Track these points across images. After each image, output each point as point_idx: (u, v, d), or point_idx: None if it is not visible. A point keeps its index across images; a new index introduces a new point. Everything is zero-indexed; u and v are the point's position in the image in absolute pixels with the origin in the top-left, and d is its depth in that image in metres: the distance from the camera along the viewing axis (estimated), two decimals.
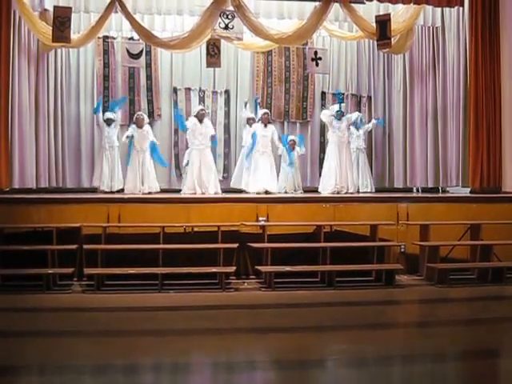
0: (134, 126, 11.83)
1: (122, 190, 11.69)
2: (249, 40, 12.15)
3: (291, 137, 12.54)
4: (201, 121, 11.62)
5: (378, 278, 9.69)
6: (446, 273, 9.51)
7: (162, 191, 11.93)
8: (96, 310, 8.06)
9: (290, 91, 13.21)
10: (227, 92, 13.15)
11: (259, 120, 12.21)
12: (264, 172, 11.76)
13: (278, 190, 11.83)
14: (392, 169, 13.21)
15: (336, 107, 12.16)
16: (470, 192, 11.72)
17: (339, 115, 11.90)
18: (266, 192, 11.57)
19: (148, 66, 12.65)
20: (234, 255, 9.63)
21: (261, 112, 12.28)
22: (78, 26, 11.67)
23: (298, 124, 13.21)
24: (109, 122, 11.94)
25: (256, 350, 6.48)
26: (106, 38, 12.43)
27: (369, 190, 12.32)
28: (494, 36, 11.64)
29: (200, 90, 13.00)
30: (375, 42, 11.88)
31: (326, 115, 12.11)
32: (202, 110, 11.76)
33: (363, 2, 11.71)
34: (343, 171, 11.74)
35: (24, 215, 9.64)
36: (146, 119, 12.04)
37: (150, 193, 11.46)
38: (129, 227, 9.66)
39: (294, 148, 12.27)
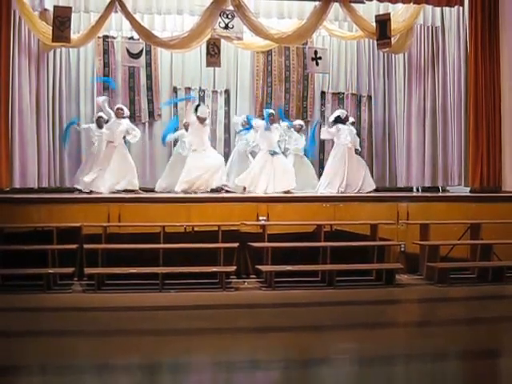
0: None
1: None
2: (249, 39, 12.16)
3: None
4: (202, 123, 11.64)
5: (378, 278, 9.70)
6: (446, 272, 9.51)
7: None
8: (96, 309, 8.07)
9: (290, 91, 13.21)
10: (227, 91, 13.16)
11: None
12: (277, 173, 11.62)
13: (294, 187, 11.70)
14: (392, 168, 13.21)
15: (332, 117, 12.21)
16: (470, 191, 11.73)
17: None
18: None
19: (148, 65, 12.65)
20: (234, 255, 9.63)
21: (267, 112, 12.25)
22: (78, 25, 11.70)
23: None
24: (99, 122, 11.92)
25: (256, 349, 6.48)
26: (105, 37, 12.43)
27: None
28: (493, 36, 11.64)
29: (200, 89, 13.01)
30: (375, 42, 11.89)
31: (326, 132, 12.12)
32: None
33: (363, 2, 11.72)
34: (350, 173, 11.77)
35: (24, 215, 9.64)
36: (127, 113, 11.82)
37: (132, 191, 11.34)
38: (129, 227, 9.66)
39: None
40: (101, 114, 11.89)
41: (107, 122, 11.72)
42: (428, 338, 6.80)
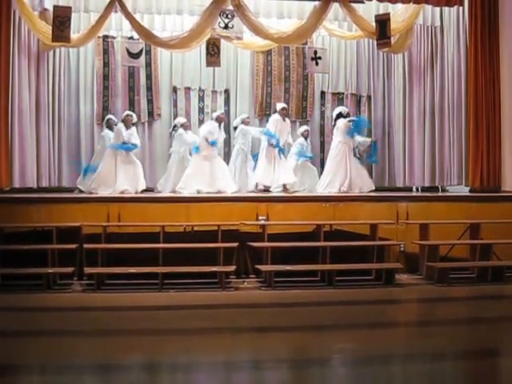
0: (121, 124, 11.62)
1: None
2: (248, 39, 12.16)
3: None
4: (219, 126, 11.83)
5: (377, 277, 9.70)
6: (445, 272, 9.52)
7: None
8: (96, 309, 8.07)
9: (290, 90, 13.21)
10: (227, 91, 13.15)
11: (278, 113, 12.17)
12: (286, 167, 11.84)
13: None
14: (392, 168, 13.20)
15: (334, 114, 12.36)
16: (470, 191, 11.73)
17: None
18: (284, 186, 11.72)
19: (148, 65, 12.65)
20: (233, 254, 9.63)
21: (279, 106, 12.26)
22: (78, 25, 11.70)
23: (297, 123, 13.18)
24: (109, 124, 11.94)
25: (256, 349, 6.48)
26: (105, 37, 12.43)
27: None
28: (493, 35, 11.64)
29: (200, 89, 13.01)
30: (375, 42, 11.89)
31: (344, 123, 12.13)
32: (222, 113, 11.95)
33: (363, 2, 11.72)
34: (353, 171, 11.80)
35: (24, 215, 9.65)
36: (135, 119, 11.85)
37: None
38: (129, 226, 9.66)
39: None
40: (110, 116, 11.89)
41: (116, 124, 11.72)
42: (428, 337, 6.81)
